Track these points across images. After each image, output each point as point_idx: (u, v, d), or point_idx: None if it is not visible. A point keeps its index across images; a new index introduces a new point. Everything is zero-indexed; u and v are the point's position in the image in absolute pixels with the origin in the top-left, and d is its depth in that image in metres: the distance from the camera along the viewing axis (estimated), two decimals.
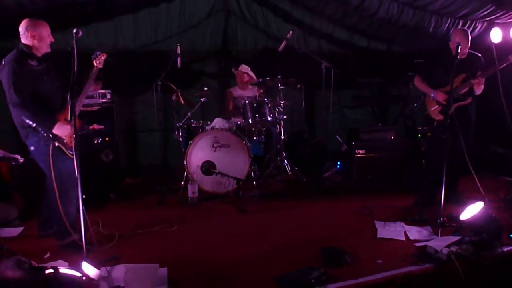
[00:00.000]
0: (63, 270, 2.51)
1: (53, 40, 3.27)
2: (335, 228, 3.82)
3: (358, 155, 4.98)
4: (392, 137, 5.13)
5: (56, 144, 3.16)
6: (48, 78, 3.29)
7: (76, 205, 2.93)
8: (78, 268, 2.65)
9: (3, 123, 5.55)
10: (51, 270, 2.41)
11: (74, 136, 2.89)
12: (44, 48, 3.26)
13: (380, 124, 6.33)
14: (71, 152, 3.18)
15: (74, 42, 2.91)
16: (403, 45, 6.47)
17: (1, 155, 3.19)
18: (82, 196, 2.85)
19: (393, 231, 3.62)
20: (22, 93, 3.06)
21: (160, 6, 5.82)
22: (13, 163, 3.28)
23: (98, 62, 3.39)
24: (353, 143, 5.02)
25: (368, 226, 3.78)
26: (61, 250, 3.32)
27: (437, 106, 4.13)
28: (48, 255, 3.28)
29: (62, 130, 3.16)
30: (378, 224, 3.78)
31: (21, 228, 3.90)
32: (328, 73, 5.29)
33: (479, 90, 3.97)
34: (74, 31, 2.92)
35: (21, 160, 3.30)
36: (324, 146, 6.02)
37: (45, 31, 3.25)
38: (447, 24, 5.50)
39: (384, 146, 5.05)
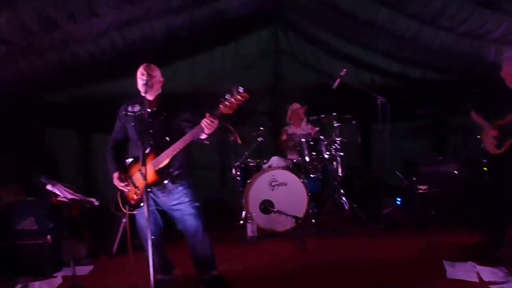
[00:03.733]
0: None
1: (143, 79, 3.11)
2: (400, 268, 3.73)
3: (420, 191, 4.86)
4: (456, 171, 4.97)
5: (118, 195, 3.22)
6: (143, 124, 3.08)
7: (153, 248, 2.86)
8: None
9: (73, 165, 6.02)
10: None
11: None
12: (141, 91, 3.15)
13: (440, 156, 6.16)
14: (131, 208, 3.17)
15: (144, 92, 3.11)
16: (461, 75, 6.35)
17: (79, 198, 3.44)
18: (151, 237, 2.95)
19: (464, 271, 3.48)
20: (111, 139, 3.33)
21: (214, 50, 6.19)
22: (88, 206, 3.50)
23: (228, 104, 2.84)
24: (415, 178, 4.91)
25: (435, 266, 3.66)
26: None
27: (492, 139, 3.98)
28: None
29: (115, 182, 3.18)
30: (447, 263, 3.65)
31: (91, 267, 4.14)
32: (384, 106, 5.27)
33: None
34: (144, 82, 3.10)
35: (96, 203, 3.52)
36: (381, 181, 5.93)
37: (138, 72, 3.19)
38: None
39: (447, 180, 4.90)
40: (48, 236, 3.99)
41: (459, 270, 3.52)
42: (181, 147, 3.02)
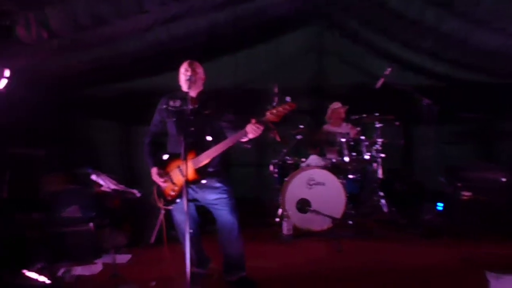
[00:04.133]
0: None
1: (187, 75, 3.10)
2: (439, 278, 3.61)
3: (464, 197, 4.69)
4: (504, 178, 4.74)
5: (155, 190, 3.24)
6: (184, 120, 3.09)
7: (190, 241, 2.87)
8: None
9: (115, 157, 6.22)
10: None
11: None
12: (183, 87, 3.19)
13: (486, 163, 5.91)
14: (166, 203, 3.18)
15: (187, 87, 3.13)
16: None
17: (121, 189, 3.54)
18: (189, 230, 2.96)
19: (509, 285, 3.32)
20: (148, 132, 3.36)
21: (257, 47, 6.24)
22: (130, 197, 3.60)
23: (275, 112, 2.84)
24: (459, 184, 4.74)
25: (477, 277, 3.50)
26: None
27: None
28: (154, 283, 3.51)
29: (154, 177, 3.19)
30: (491, 276, 3.49)
31: (130, 256, 4.26)
32: (429, 108, 5.11)
33: None
34: (188, 77, 3.11)
35: (139, 194, 3.61)
36: (422, 185, 5.78)
37: (182, 68, 3.22)
38: None
39: (493, 187, 4.69)
40: (91, 224, 4.15)
41: (505, 283, 3.35)
42: (224, 149, 3.01)
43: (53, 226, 4.15)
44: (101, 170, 4.44)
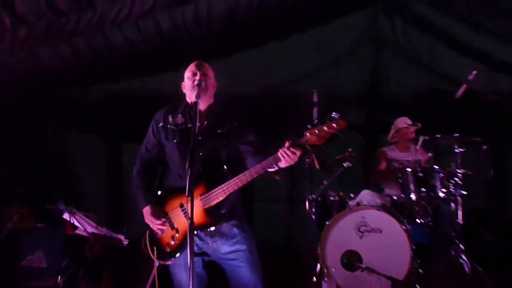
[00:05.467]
0: None
1: (196, 80, 3.01)
2: None
3: None
4: None
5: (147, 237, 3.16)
6: (189, 142, 2.79)
7: None
8: None
9: (100, 183, 6.25)
10: None
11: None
12: (189, 96, 3.12)
13: None
14: (163, 256, 3.09)
15: (196, 96, 3.01)
16: None
17: (103, 233, 3.49)
18: None
19: None
20: (138, 159, 3.30)
21: (291, 39, 6.20)
22: (114, 244, 3.55)
23: (317, 132, 2.74)
24: None
25: None
26: None
27: None
28: None
29: (147, 219, 3.13)
30: None
31: None
32: None
33: None
34: (197, 83, 2.98)
35: (125, 242, 3.54)
36: None
37: (188, 71, 3.15)
38: None
39: None
40: (59, 277, 4.10)
41: None
42: (245, 183, 2.90)
43: (8, 278, 4.13)
44: (79, 200, 4.40)
